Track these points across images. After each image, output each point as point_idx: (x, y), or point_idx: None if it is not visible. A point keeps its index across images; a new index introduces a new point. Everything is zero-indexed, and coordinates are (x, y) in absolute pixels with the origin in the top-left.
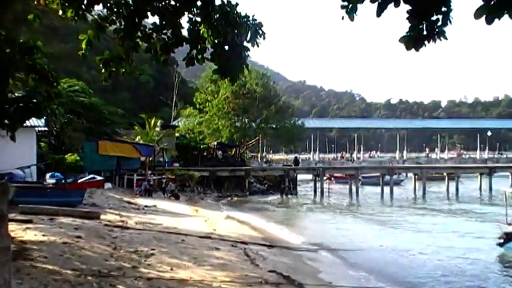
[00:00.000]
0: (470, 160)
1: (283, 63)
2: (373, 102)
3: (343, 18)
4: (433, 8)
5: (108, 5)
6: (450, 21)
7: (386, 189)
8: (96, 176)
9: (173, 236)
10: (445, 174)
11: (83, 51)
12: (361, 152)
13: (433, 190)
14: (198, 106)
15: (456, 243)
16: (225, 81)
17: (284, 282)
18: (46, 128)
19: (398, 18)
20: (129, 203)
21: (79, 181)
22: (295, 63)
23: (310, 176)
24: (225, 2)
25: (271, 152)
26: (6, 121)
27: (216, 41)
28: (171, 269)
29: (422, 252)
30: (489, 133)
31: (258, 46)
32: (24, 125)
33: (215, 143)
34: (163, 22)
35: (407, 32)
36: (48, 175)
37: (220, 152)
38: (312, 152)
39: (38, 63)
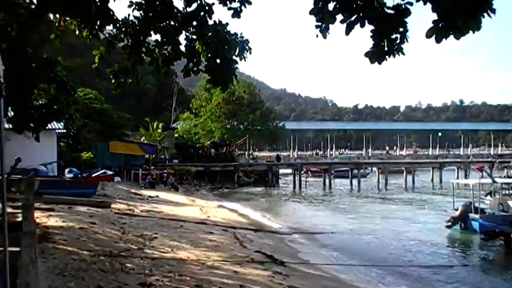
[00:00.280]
0: (424, 156)
1: (267, 73)
2: (344, 107)
3: (317, 36)
4: (392, 29)
5: (118, 25)
6: (407, 40)
7: (355, 181)
8: (107, 171)
9: (173, 222)
10: (403, 168)
11: (96, 65)
12: (333, 149)
13: (394, 182)
14: (194, 111)
15: (412, 227)
16: (217, 89)
17: (268, 261)
18: (65, 130)
19: (363, 36)
20: (135, 194)
21: (93, 175)
22: (277, 73)
23: (290, 171)
24: (217, 22)
25: (256, 150)
26: (31, 124)
27: (209, 56)
28: (172, 250)
29: (385, 235)
30: (439, 134)
31: (245, 60)
32: (47, 127)
33: (209, 142)
34: (164, 39)
35: (371, 48)
36: (66, 170)
37: (213, 150)
38: (291, 150)
39: (58, 75)
